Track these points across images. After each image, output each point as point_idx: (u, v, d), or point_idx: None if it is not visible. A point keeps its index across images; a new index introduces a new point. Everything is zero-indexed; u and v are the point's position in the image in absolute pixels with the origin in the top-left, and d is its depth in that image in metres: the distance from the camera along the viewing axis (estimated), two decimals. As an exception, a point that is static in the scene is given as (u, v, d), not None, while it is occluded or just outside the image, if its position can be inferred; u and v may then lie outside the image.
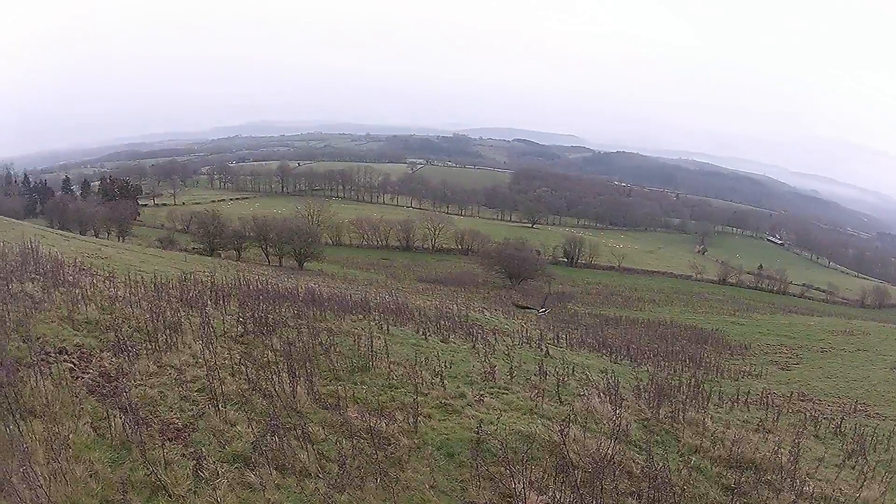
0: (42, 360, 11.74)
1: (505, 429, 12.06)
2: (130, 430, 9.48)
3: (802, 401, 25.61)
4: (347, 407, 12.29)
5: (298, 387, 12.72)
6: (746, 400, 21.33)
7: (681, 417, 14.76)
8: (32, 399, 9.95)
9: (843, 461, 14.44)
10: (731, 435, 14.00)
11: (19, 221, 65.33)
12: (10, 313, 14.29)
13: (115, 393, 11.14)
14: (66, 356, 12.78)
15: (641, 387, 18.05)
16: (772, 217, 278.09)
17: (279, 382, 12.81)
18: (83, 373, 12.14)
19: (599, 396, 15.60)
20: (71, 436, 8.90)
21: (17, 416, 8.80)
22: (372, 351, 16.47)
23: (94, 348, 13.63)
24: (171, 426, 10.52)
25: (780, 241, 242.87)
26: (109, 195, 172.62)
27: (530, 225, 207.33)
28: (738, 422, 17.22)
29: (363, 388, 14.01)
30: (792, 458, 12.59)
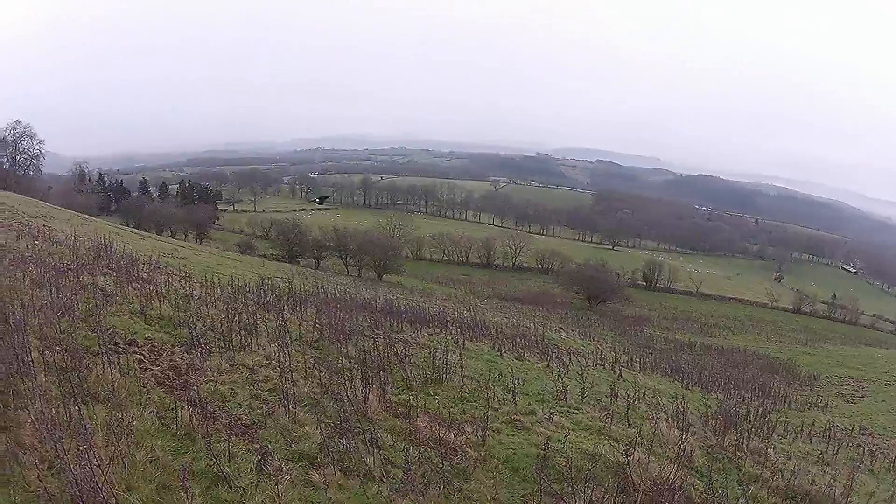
0: (111, 349, 11.84)
1: (571, 447, 11.99)
2: (197, 423, 9.55)
3: (863, 435, 24.99)
4: (417, 416, 12.23)
5: (371, 394, 12.78)
6: (810, 432, 20.95)
7: (744, 446, 14.62)
8: (97, 385, 10.04)
9: (893, 496, 13.95)
10: (791, 466, 13.88)
11: (93, 218, 67.07)
12: (80, 303, 14.62)
13: (184, 386, 11.21)
14: (135, 348, 13.00)
15: (710, 413, 17.99)
16: (846, 244, 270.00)
17: (351, 388, 12.84)
18: (153, 365, 12.31)
19: (667, 421, 15.62)
20: (135, 422, 8.95)
21: (80, 399, 8.90)
22: (446, 364, 16.48)
23: (165, 343, 13.86)
24: (239, 422, 10.57)
25: (853, 270, 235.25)
26: (188, 199, 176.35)
27: (610, 247, 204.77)
28: (799, 453, 16.99)
29: (435, 400, 14.06)
30: (845, 491, 12.30)
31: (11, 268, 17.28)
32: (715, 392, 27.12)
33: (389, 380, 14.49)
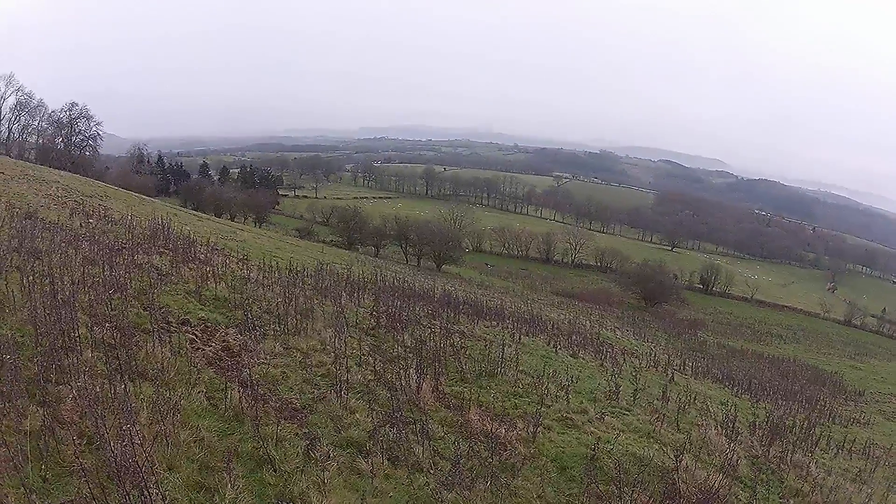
0: (162, 328, 11.97)
1: (621, 449, 11.91)
2: (246, 405, 9.57)
3: None
4: (470, 409, 12.15)
5: (424, 384, 12.73)
6: (850, 448, 20.47)
7: (788, 459, 14.37)
8: (146, 363, 10.08)
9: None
10: (831, 482, 13.58)
11: (150, 199, 68.20)
12: (133, 282, 14.71)
13: (235, 368, 11.33)
14: (188, 328, 13.04)
15: (757, 423, 17.53)
16: None
17: (405, 377, 12.86)
18: (205, 345, 12.35)
19: (716, 428, 15.40)
20: (182, 402, 8.96)
21: (126, 377, 8.92)
22: (502, 358, 16.44)
23: (219, 324, 13.89)
24: (289, 406, 10.55)
25: None
26: (248, 183, 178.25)
27: (670, 248, 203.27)
28: (839, 469, 16.58)
29: (488, 393, 13.99)
30: None
31: (63, 245, 17.42)
32: (763, 401, 26.63)
33: (443, 371, 14.50)
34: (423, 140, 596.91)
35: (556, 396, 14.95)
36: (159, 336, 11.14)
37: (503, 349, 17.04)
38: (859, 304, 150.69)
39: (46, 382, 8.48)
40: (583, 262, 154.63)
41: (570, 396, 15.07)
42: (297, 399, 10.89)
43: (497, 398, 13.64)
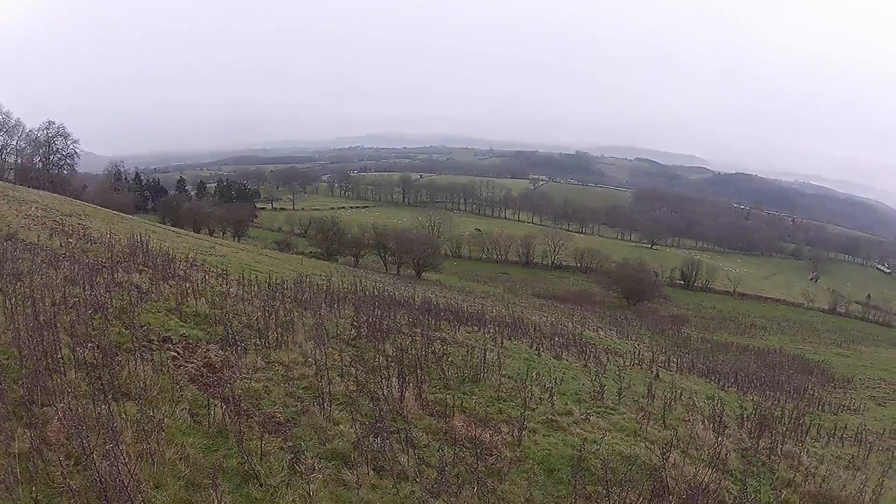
0: (144, 346, 12.01)
1: (608, 449, 12.02)
2: (230, 420, 9.59)
3: (893, 439, 24.62)
4: (454, 416, 12.18)
5: (407, 392, 12.72)
6: (842, 435, 20.63)
7: (779, 450, 14.54)
8: (129, 382, 10.12)
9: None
10: (823, 470, 13.76)
11: (129, 216, 68.14)
12: (114, 300, 14.78)
13: (218, 384, 11.37)
14: (170, 345, 13.08)
15: (745, 416, 17.81)
16: (882, 244, 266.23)
17: (388, 387, 12.85)
18: (187, 362, 12.38)
19: (703, 423, 15.57)
20: (166, 420, 9.01)
21: (110, 396, 8.92)
22: (484, 363, 16.47)
23: (200, 340, 13.92)
24: (273, 420, 10.58)
25: (888, 270, 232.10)
26: (226, 197, 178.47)
27: (649, 245, 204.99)
28: (831, 457, 16.79)
29: (472, 399, 14.04)
30: (874, 496, 12.30)
31: (44, 265, 17.44)
32: (751, 394, 26.95)
33: (426, 378, 14.48)
34: (399, 148, 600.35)
35: (540, 399, 15.02)
36: (141, 354, 11.13)
37: (485, 354, 17.03)
38: (843, 292, 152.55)
39: (32, 404, 8.53)
40: (563, 263, 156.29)
41: (554, 399, 15.22)
42: (280, 413, 10.90)
43: (481, 403, 13.68)
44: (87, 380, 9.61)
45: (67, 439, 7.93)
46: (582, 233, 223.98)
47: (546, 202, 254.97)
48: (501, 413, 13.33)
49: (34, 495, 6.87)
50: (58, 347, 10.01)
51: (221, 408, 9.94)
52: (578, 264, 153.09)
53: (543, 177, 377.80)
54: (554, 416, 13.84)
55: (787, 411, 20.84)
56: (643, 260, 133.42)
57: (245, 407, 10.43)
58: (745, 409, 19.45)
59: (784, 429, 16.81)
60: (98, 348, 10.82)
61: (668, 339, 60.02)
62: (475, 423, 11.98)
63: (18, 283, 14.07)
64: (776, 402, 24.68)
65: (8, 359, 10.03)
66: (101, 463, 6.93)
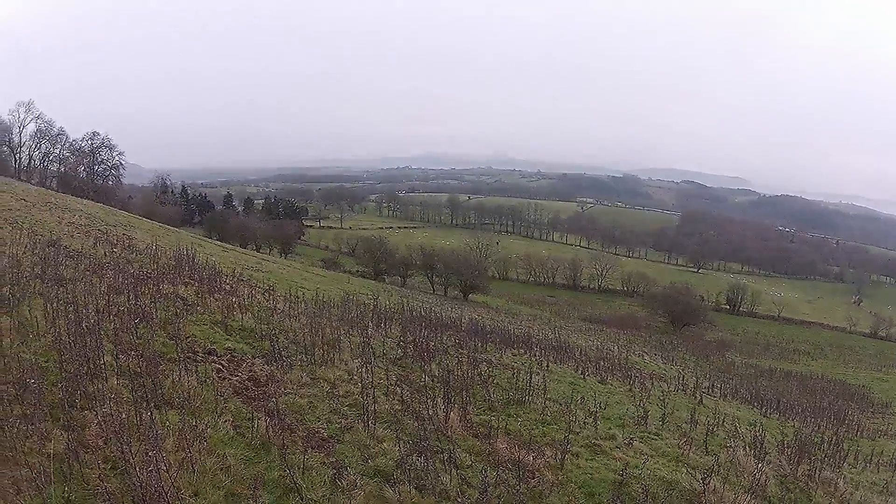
0: (188, 357, 12.09)
1: (649, 474, 11.89)
2: (273, 434, 9.61)
3: None
4: (498, 437, 12.16)
5: (452, 413, 12.69)
6: (878, 461, 20.22)
7: (816, 476, 14.32)
8: (172, 392, 10.20)
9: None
10: (858, 497, 13.68)
11: (174, 229, 68.83)
12: (159, 311, 14.90)
13: (262, 397, 11.39)
14: (214, 357, 13.14)
15: (786, 442, 17.36)
16: None
17: (433, 407, 12.78)
18: (231, 375, 12.43)
19: (745, 449, 15.30)
20: (209, 430, 9.06)
21: (152, 404, 8.99)
22: (529, 386, 16.39)
23: (245, 354, 13.96)
24: (317, 435, 10.57)
25: None
26: (273, 214, 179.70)
27: (695, 269, 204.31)
28: (866, 483, 16.45)
29: (516, 421, 13.93)
30: None
31: (87, 273, 17.62)
32: (792, 419, 26.56)
33: (471, 400, 14.41)
34: (447, 168, 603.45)
35: (584, 423, 14.90)
36: (185, 365, 11.24)
37: (531, 377, 16.98)
38: (884, 315, 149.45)
39: (71, 407, 8.61)
40: (609, 287, 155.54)
41: (598, 423, 15.04)
42: (324, 428, 10.90)
43: (525, 426, 13.57)
44: (129, 387, 9.64)
45: (105, 443, 8.01)
46: (629, 256, 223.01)
47: (593, 225, 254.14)
48: (545, 436, 13.20)
49: (66, 495, 6.92)
50: (100, 354, 10.11)
51: (265, 421, 9.98)
52: (625, 288, 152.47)
53: (591, 199, 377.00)
54: (597, 440, 13.76)
55: (826, 437, 20.56)
56: (689, 284, 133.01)
57: (289, 421, 10.46)
58: (786, 436, 19.17)
59: (823, 455, 16.54)
60: (142, 357, 10.88)
61: (713, 365, 59.68)
62: (518, 446, 11.83)
63: (60, 289, 14.22)
64: (816, 428, 24.31)
65: (47, 361, 10.17)
66: (140, 468, 6.97)
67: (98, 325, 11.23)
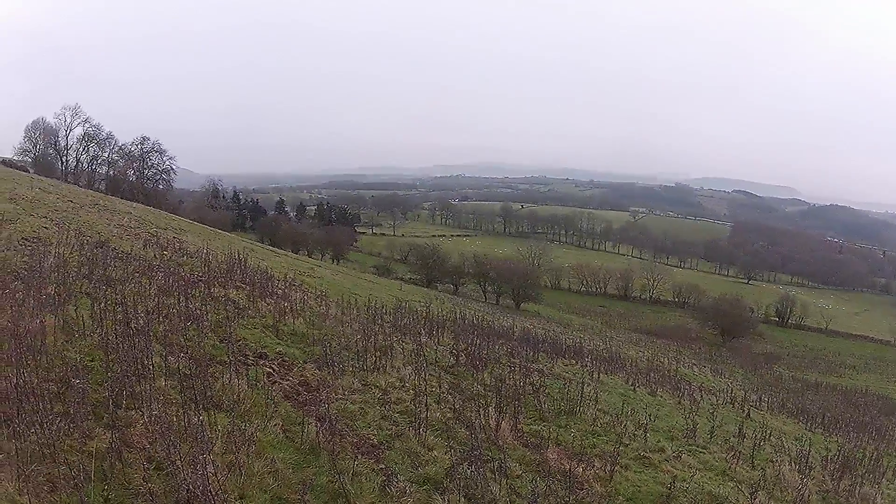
0: (239, 361, 12.07)
1: (696, 487, 11.93)
2: (323, 439, 9.60)
3: None
4: (548, 448, 12.13)
5: (503, 422, 12.68)
6: None
7: (857, 492, 14.33)
8: (221, 394, 10.20)
9: None
10: None
11: (226, 233, 69.75)
12: (210, 314, 14.97)
13: (313, 402, 11.37)
14: (265, 361, 13.13)
15: (829, 457, 17.48)
16: None
17: (484, 416, 12.80)
18: (282, 379, 12.41)
19: (790, 464, 15.48)
20: (258, 434, 9.00)
21: (201, 406, 8.98)
22: (581, 396, 16.35)
23: (296, 358, 13.95)
24: (367, 441, 10.55)
25: None
26: (325, 220, 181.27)
27: (746, 281, 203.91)
28: None
29: (567, 432, 13.87)
30: None
31: (137, 275, 17.73)
32: (835, 434, 26.30)
33: (523, 409, 14.45)
34: (500, 177, 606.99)
35: (633, 435, 14.94)
36: (236, 368, 11.23)
37: (583, 388, 16.95)
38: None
39: (116, 407, 8.61)
40: (660, 297, 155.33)
41: (647, 435, 15.08)
42: (374, 435, 10.87)
43: (576, 437, 13.50)
44: (177, 388, 9.70)
45: (150, 444, 8.02)
46: (680, 266, 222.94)
47: (645, 235, 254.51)
48: (595, 447, 13.16)
49: (105, 494, 6.91)
50: (149, 355, 10.11)
51: (316, 426, 9.96)
52: (676, 299, 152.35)
53: (643, 209, 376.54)
54: (646, 452, 13.76)
55: (867, 452, 20.32)
56: (739, 296, 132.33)
57: (339, 427, 10.39)
58: (830, 451, 19.23)
59: (863, 471, 16.50)
60: (191, 359, 10.95)
61: (761, 378, 59.54)
62: (569, 456, 11.88)
63: (108, 290, 14.30)
64: (858, 444, 24.01)
65: (93, 360, 10.22)
66: (185, 469, 6.96)
67: (147, 325, 11.33)
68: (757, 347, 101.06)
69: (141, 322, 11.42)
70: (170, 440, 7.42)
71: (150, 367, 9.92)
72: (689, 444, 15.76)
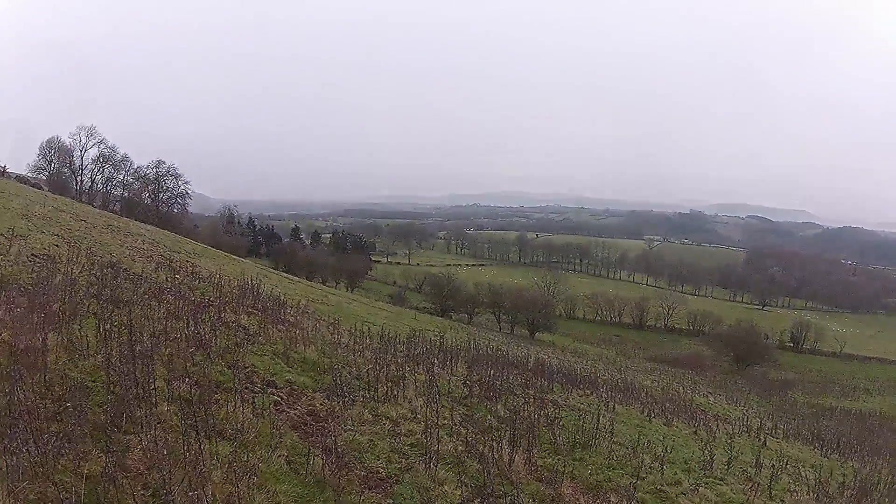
0: (246, 388, 11.94)
1: None
2: (329, 472, 9.36)
3: None
4: (563, 482, 11.91)
5: (517, 456, 12.48)
6: None
7: None
8: (225, 422, 10.01)
9: None
10: None
11: (240, 259, 70.01)
12: (218, 339, 14.79)
13: (321, 433, 11.21)
14: (273, 389, 12.94)
15: (846, 483, 17.52)
16: None
17: (497, 449, 12.52)
18: (289, 408, 12.22)
19: (808, 493, 15.59)
20: (261, 464, 8.84)
21: (203, 434, 8.73)
22: (596, 428, 16.18)
23: (306, 387, 13.75)
24: (375, 475, 10.35)
25: None
26: (340, 247, 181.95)
27: (760, 307, 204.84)
28: None
29: (582, 465, 13.77)
30: None
31: (146, 297, 17.60)
32: (850, 459, 26.11)
33: (537, 442, 14.17)
34: (515, 206, 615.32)
35: (650, 468, 14.75)
36: (242, 396, 11.07)
37: (598, 419, 16.78)
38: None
39: (115, 430, 8.45)
40: (675, 326, 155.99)
41: (664, 467, 14.88)
42: (383, 468, 10.66)
43: (591, 471, 13.41)
44: (179, 414, 9.48)
45: (147, 470, 7.85)
46: (695, 294, 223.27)
47: (660, 263, 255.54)
48: (611, 481, 13.04)
49: (96, 517, 6.73)
50: (151, 379, 9.94)
51: (322, 458, 9.75)
52: (691, 327, 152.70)
53: (658, 237, 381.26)
54: (663, 485, 13.67)
55: (883, 476, 20.26)
56: (753, 322, 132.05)
57: (347, 459, 10.20)
58: (846, 476, 19.36)
59: (879, 495, 16.67)
60: (196, 385, 10.78)
61: (775, 404, 59.51)
62: (584, 491, 11.81)
63: (116, 311, 14.12)
64: (874, 468, 23.72)
65: (94, 381, 10.08)
66: (181, 498, 6.81)
67: (153, 349, 11.11)
68: (772, 374, 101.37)
69: (147, 345, 11.22)
70: (167, 467, 7.26)
71: (153, 391, 9.75)
72: (707, 477, 15.69)
